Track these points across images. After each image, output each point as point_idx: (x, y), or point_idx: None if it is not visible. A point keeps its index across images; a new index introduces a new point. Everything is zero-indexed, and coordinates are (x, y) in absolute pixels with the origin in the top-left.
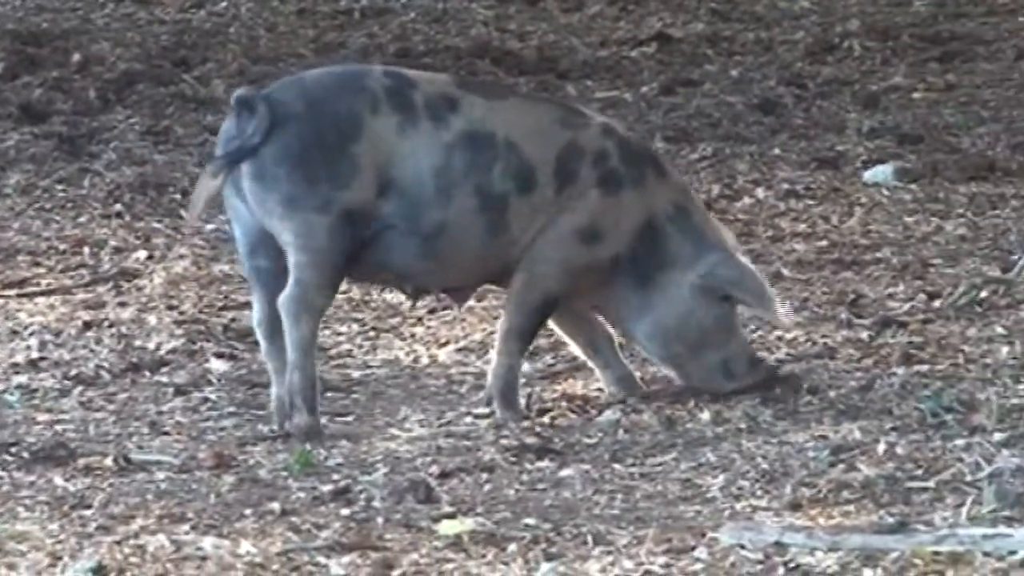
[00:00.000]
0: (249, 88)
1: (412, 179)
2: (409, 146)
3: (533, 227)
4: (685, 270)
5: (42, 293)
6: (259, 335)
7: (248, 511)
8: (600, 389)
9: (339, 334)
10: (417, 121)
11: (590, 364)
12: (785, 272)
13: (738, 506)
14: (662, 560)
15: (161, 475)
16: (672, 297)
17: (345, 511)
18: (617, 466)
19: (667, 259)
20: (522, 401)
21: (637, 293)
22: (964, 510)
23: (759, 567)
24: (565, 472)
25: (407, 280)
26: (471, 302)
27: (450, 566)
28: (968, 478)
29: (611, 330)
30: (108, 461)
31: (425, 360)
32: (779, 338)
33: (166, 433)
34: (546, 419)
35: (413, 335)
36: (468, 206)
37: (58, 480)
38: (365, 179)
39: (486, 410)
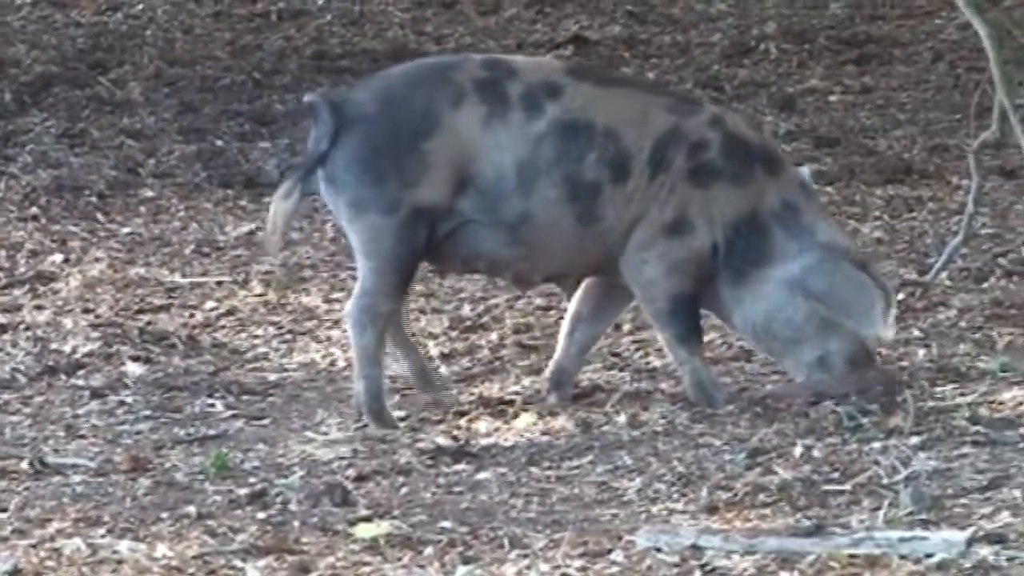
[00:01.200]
0: (318, 92)
1: (493, 173)
2: (495, 139)
3: (628, 215)
4: (783, 265)
5: None
6: None
7: (164, 514)
8: (517, 392)
9: (256, 337)
10: (507, 112)
11: (560, 333)
12: None
13: (654, 509)
14: (579, 563)
15: (77, 478)
16: (764, 293)
17: (261, 514)
18: (534, 469)
19: (767, 256)
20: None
21: (732, 286)
22: (881, 513)
23: (675, 570)
24: (482, 475)
25: (501, 270)
26: None
27: (367, 569)
28: (885, 481)
29: (598, 331)
30: (24, 464)
31: (342, 363)
32: None
33: (82, 436)
34: (462, 422)
35: (329, 338)
36: (554, 195)
37: None
38: (437, 177)
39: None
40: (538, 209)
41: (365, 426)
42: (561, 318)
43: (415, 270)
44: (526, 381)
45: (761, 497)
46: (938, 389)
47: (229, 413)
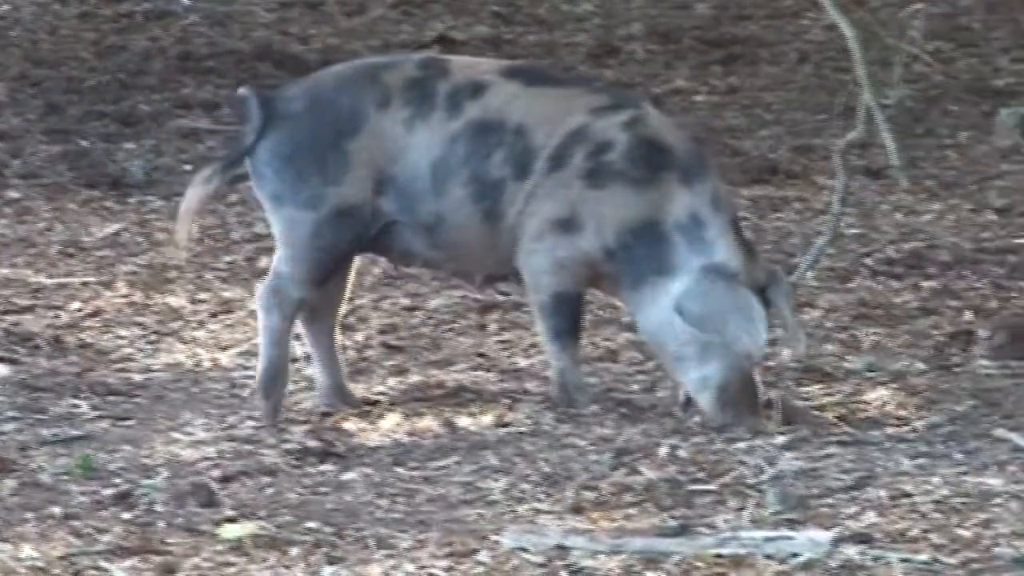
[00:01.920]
0: (249, 87)
1: (411, 174)
2: (415, 140)
3: (529, 211)
4: (679, 279)
5: None
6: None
7: (29, 515)
8: (383, 393)
9: (121, 338)
10: (429, 113)
11: None
12: None
13: (520, 509)
14: (444, 563)
15: None
16: (659, 303)
17: (127, 515)
18: (399, 469)
19: (668, 267)
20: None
21: (631, 290)
22: (746, 513)
23: (541, 570)
24: (347, 476)
25: (438, 267)
26: (253, 306)
27: (232, 570)
28: (750, 481)
29: None
30: None
31: (207, 364)
32: None
33: None
34: (328, 423)
35: (195, 339)
36: (462, 195)
37: None
38: (359, 176)
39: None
40: (448, 210)
41: (231, 427)
42: (429, 318)
43: (334, 267)
44: (392, 381)
45: (627, 497)
46: (804, 389)
47: (95, 414)
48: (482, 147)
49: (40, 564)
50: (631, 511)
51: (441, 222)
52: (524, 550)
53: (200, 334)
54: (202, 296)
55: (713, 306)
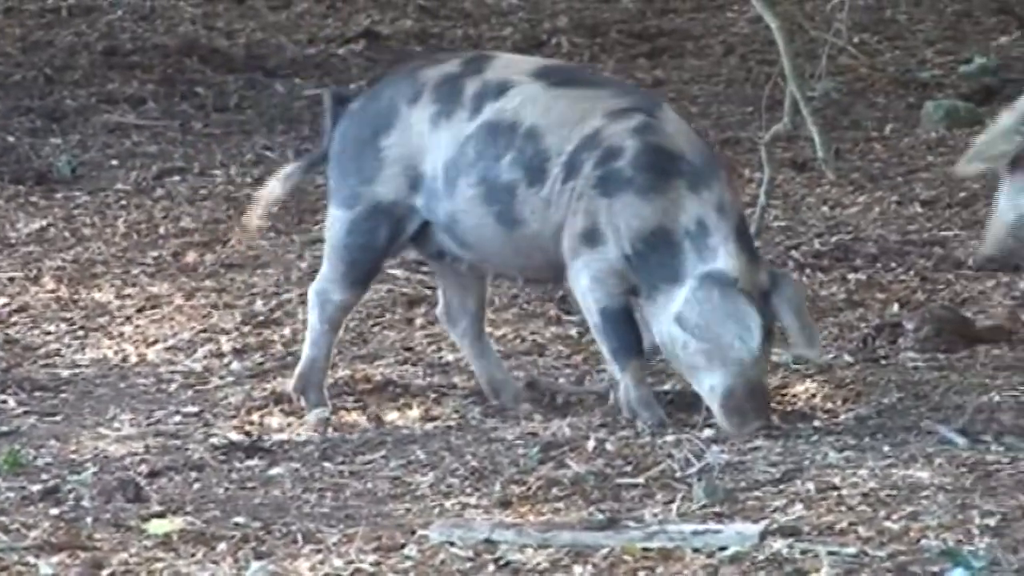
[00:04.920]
0: (330, 87)
1: (432, 171)
2: (436, 138)
3: (552, 221)
4: (683, 286)
5: None
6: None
7: None
8: None
9: (47, 333)
10: (453, 111)
11: None
12: None
13: (448, 504)
14: (372, 558)
15: None
16: (668, 310)
17: (54, 511)
18: (327, 464)
19: (679, 275)
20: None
21: (647, 301)
22: (674, 506)
23: (469, 564)
24: (275, 470)
25: (481, 268)
26: (180, 301)
27: (160, 565)
28: (678, 474)
29: None
30: None
31: (134, 359)
32: (489, 334)
33: None
34: (255, 417)
35: (122, 334)
36: (472, 195)
37: None
38: (392, 173)
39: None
40: (463, 208)
41: (158, 422)
42: (356, 312)
43: (370, 268)
44: None
45: (554, 491)
46: None
47: (21, 410)
48: (491, 149)
49: None
50: (559, 505)
51: (456, 222)
52: (452, 544)
53: (127, 329)
54: (128, 291)
55: (709, 314)
